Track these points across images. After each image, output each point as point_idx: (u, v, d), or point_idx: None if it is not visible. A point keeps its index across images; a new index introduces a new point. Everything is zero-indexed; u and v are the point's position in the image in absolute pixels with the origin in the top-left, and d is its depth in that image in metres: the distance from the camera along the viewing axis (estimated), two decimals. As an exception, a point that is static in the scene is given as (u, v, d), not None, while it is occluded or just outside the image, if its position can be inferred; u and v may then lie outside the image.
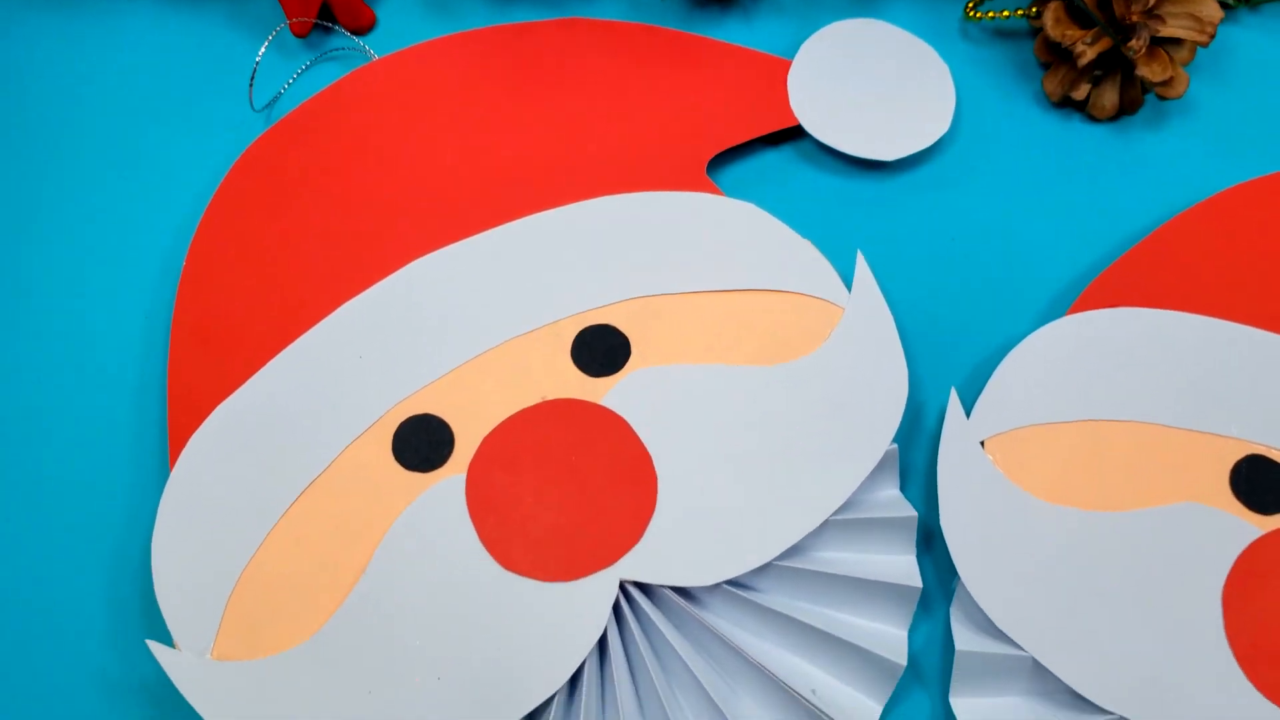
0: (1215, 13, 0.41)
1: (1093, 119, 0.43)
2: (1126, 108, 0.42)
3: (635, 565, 0.35)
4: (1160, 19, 0.41)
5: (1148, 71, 0.41)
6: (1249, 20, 0.45)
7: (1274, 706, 0.34)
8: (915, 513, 0.36)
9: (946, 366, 0.40)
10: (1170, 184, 0.42)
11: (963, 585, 0.36)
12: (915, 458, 0.39)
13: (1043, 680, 0.35)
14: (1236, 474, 0.37)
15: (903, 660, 0.35)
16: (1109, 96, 0.42)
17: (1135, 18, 0.40)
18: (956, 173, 0.42)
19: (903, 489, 0.38)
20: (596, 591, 0.35)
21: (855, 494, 0.37)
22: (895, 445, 0.37)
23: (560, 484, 0.36)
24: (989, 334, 0.40)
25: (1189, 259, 0.40)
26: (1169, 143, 0.43)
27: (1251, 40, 0.45)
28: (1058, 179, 0.42)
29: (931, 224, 0.41)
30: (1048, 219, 0.41)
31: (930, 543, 0.38)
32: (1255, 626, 0.35)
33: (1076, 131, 0.43)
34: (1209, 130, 0.43)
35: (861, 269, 0.39)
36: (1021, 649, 0.35)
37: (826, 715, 0.34)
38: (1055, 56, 0.43)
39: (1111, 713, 0.34)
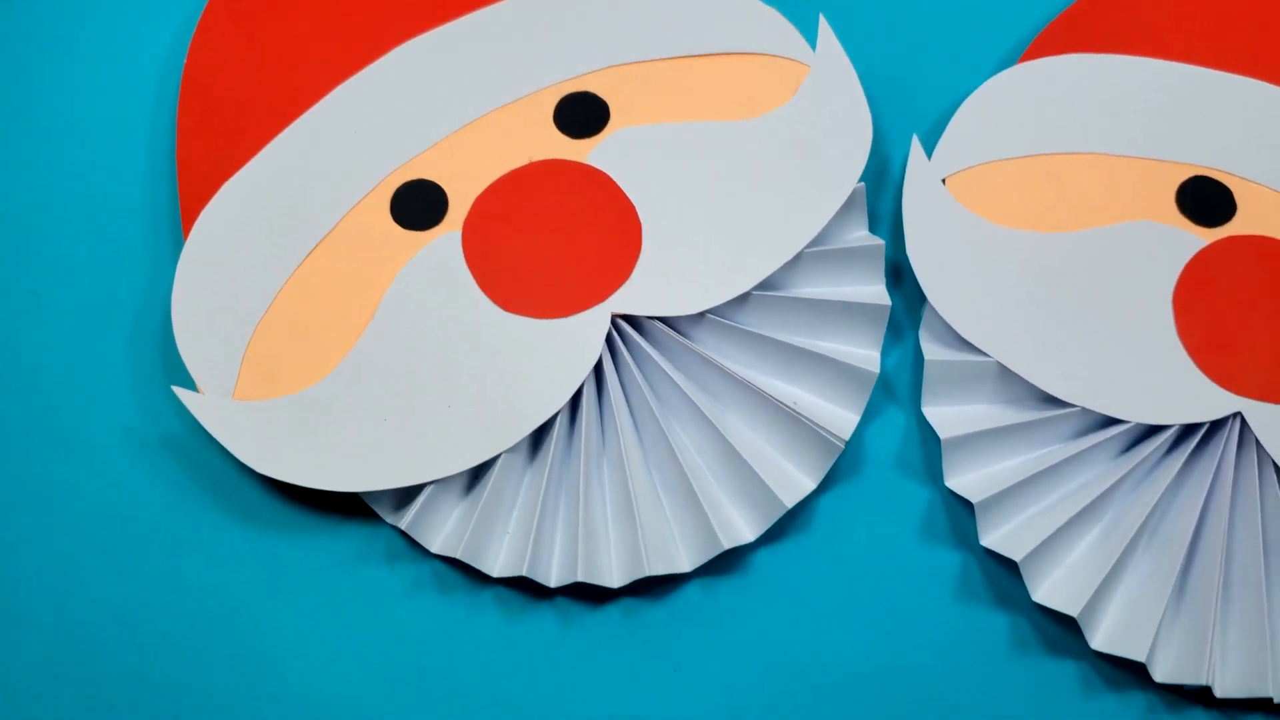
0: None
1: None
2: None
3: (625, 299, 0.38)
4: None
5: None
6: None
7: (1222, 390, 0.37)
8: (882, 241, 0.39)
9: (910, 120, 0.42)
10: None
11: (929, 308, 0.39)
12: (883, 206, 0.41)
13: (1008, 386, 0.38)
14: (1183, 193, 0.39)
15: (875, 369, 0.38)
16: None
17: None
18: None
19: (872, 232, 0.41)
20: (590, 325, 0.37)
21: (827, 233, 0.39)
22: (862, 184, 0.39)
23: (550, 233, 0.39)
24: (950, 88, 0.42)
25: (1135, 6, 0.42)
26: None
27: None
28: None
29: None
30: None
31: (900, 279, 0.40)
32: (1203, 323, 0.37)
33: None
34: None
35: (824, 29, 0.41)
36: (987, 355, 0.38)
37: (809, 421, 0.37)
38: None
39: (1073, 406, 0.37)
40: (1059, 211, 0.39)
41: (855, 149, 0.40)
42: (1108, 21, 0.42)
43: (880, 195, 0.41)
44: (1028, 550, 0.36)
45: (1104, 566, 0.36)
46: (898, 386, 0.39)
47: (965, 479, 0.37)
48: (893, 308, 0.40)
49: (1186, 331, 0.38)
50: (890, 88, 0.42)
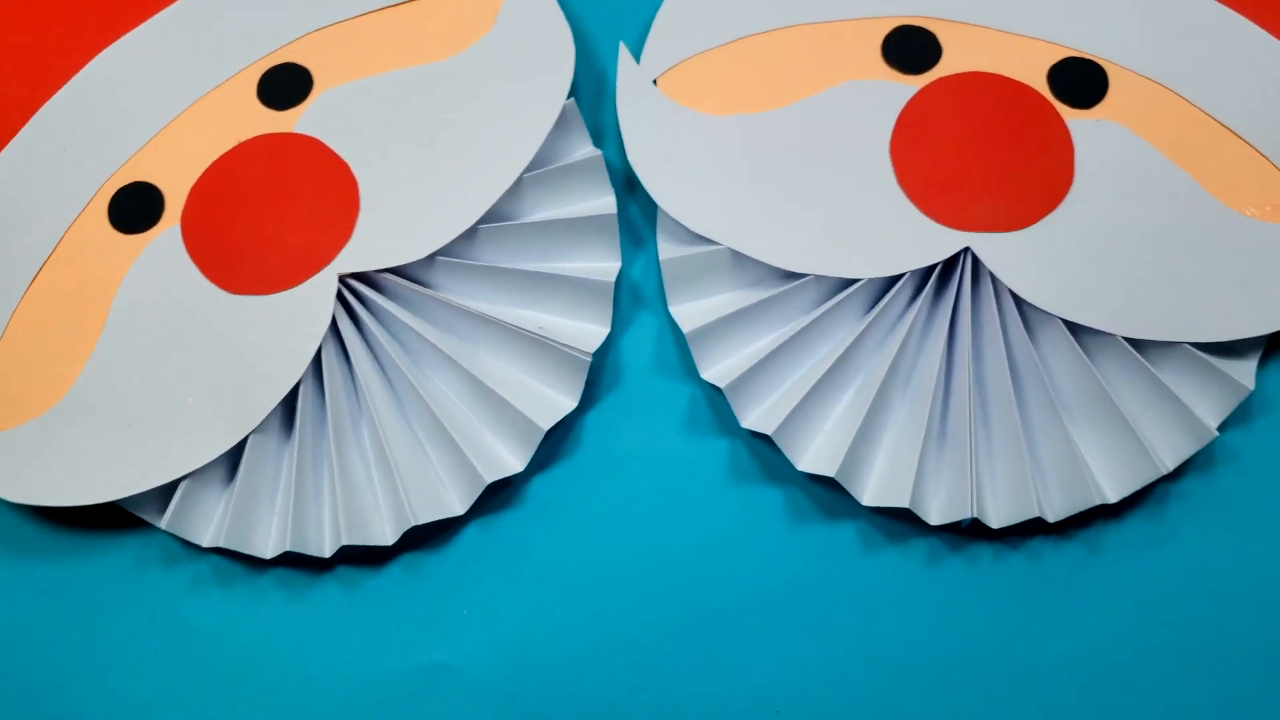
0: None
1: None
2: None
3: (350, 258, 0.37)
4: None
5: None
6: None
7: (949, 229, 0.37)
8: (598, 152, 0.39)
9: (621, 28, 0.41)
10: None
11: (662, 209, 0.39)
12: (609, 119, 0.41)
13: (745, 270, 0.38)
14: (887, 45, 0.39)
15: (610, 279, 0.38)
16: None
17: None
18: None
19: (603, 147, 0.40)
20: (317, 290, 0.37)
21: (550, 156, 0.39)
22: (571, 100, 0.39)
23: (268, 209, 0.38)
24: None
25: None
26: None
27: None
28: None
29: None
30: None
31: (634, 187, 0.40)
32: (922, 167, 0.37)
33: None
34: None
35: (516, -43, 0.41)
36: (718, 244, 0.38)
37: (553, 341, 0.37)
38: None
39: (806, 274, 0.37)
40: (769, 89, 0.39)
41: (559, 67, 0.39)
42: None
43: (603, 109, 0.41)
44: (779, 422, 0.36)
45: (857, 423, 0.36)
46: (646, 292, 0.39)
47: (718, 368, 0.37)
48: (633, 214, 0.40)
49: (907, 179, 0.38)
50: (597, 4, 0.42)
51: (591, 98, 0.41)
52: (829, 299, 0.37)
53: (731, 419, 0.37)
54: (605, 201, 0.39)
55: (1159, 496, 0.36)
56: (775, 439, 0.36)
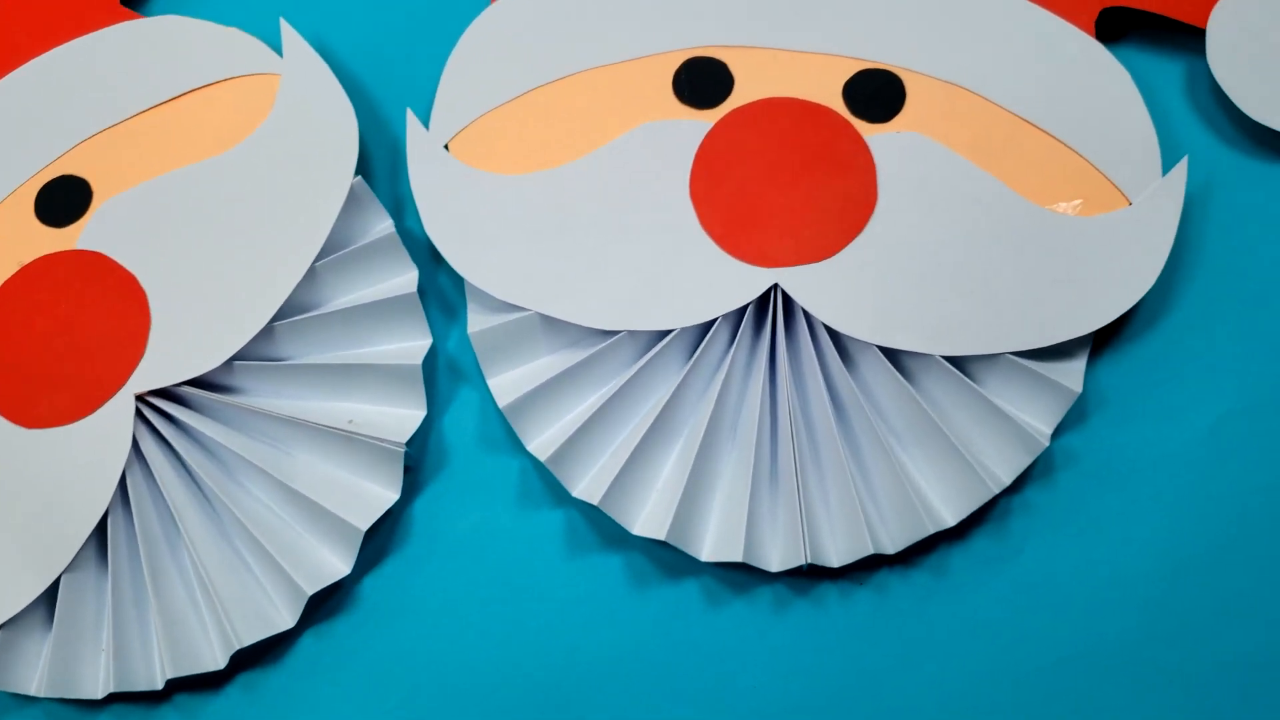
0: None
1: None
2: None
3: (145, 376, 0.36)
4: None
5: None
6: None
7: (756, 267, 0.36)
8: (390, 227, 0.38)
9: (411, 95, 0.40)
10: None
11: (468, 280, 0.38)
12: (407, 190, 0.39)
13: (558, 333, 0.37)
14: (677, 81, 0.38)
15: (416, 361, 0.36)
16: None
17: None
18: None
19: (401, 221, 0.39)
20: (115, 414, 0.35)
21: (348, 238, 0.38)
22: (359, 178, 0.38)
23: (55, 335, 0.36)
24: (436, 57, 0.39)
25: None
26: None
27: None
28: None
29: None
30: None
31: (441, 259, 0.38)
32: (723, 206, 0.36)
33: None
34: None
35: (288, 32, 0.39)
36: (525, 309, 0.36)
37: (367, 437, 0.36)
38: None
39: (618, 331, 0.36)
40: (562, 141, 0.38)
41: (343, 145, 0.38)
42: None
43: (402, 180, 0.39)
44: (605, 490, 0.35)
45: (684, 479, 0.35)
46: (464, 365, 0.38)
47: (540, 439, 0.36)
48: (444, 285, 0.39)
49: (709, 220, 0.36)
50: (384, 69, 0.40)
51: (388, 168, 0.40)
52: (646, 353, 0.36)
53: (561, 488, 0.36)
54: (407, 278, 0.38)
55: (1001, 511, 0.36)
56: (603, 508, 0.35)
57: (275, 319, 0.36)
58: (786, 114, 0.37)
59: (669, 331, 0.36)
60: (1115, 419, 0.36)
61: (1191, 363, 0.37)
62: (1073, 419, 0.36)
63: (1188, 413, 0.36)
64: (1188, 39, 0.38)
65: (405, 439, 0.36)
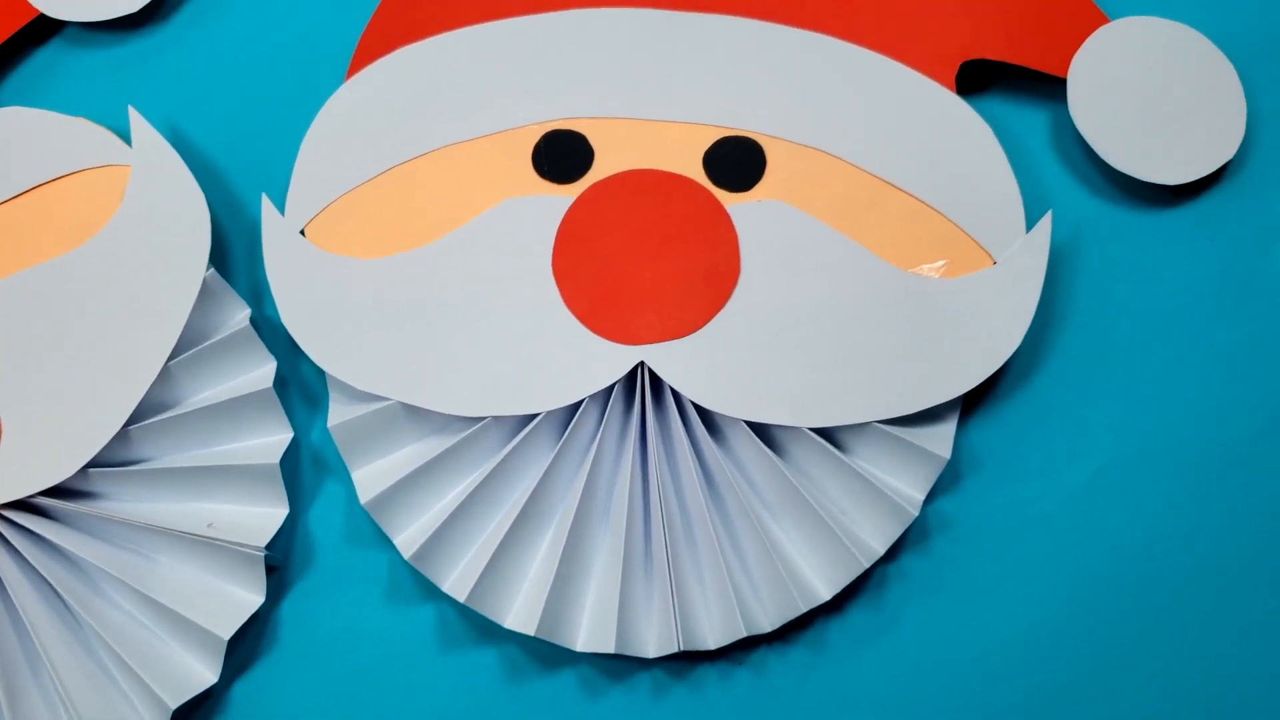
0: None
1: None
2: None
3: (-4, 489, 0.35)
4: None
5: None
6: None
7: (621, 345, 0.35)
8: (246, 320, 0.37)
9: (264, 180, 0.39)
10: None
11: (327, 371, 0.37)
12: (265, 274, 0.37)
13: (422, 420, 0.36)
14: (537, 156, 0.37)
15: (274, 459, 0.35)
16: None
17: None
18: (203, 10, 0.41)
19: (260, 309, 0.38)
20: (-36, 530, 0.35)
21: (207, 330, 0.37)
22: (212, 271, 0.37)
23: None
24: (293, 137, 0.38)
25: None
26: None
27: None
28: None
29: (195, 62, 0.40)
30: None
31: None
32: (587, 283, 0.36)
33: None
34: None
35: (137, 121, 0.38)
36: (386, 398, 0.36)
37: (226, 541, 0.35)
38: None
39: (484, 416, 0.35)
40: (422, 222, 0.37)
41: (195, 239, 0.37)
42: (419, 5, 0.39)
43: (262, 266, 0.38)
44: (471, 586, 0.34)
45: (553, 570, 0.34)
46: (328, 457, 0.37)
47: (406, 534, 0.35)
48: (306, 374, 0.38)
49: (573, 299, 0.36)
50: (239, 151, 0.39)
51: (246, 254, 0.39)
52: (513, 438, 0.36)
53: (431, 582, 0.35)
54: (264, 371, 0.37)
55: (878, 581, 0.35)
56: (472, 605, 0.34)
57: (130, 422, 0.35)
58: (647, 186, 0.37)
59: (536, 414, 0.35)
60: (989, 480, 0.36)
61: (1064, 419, 0.36)
62: (946, 481, 0.36)
63: (1062, 470, 0.36)
64: (1051, 87, 0.38)
65: (266, 541, 0.35)
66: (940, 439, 0.35)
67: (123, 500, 0.35)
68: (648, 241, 0.36)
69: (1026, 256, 0.36)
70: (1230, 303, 0.37)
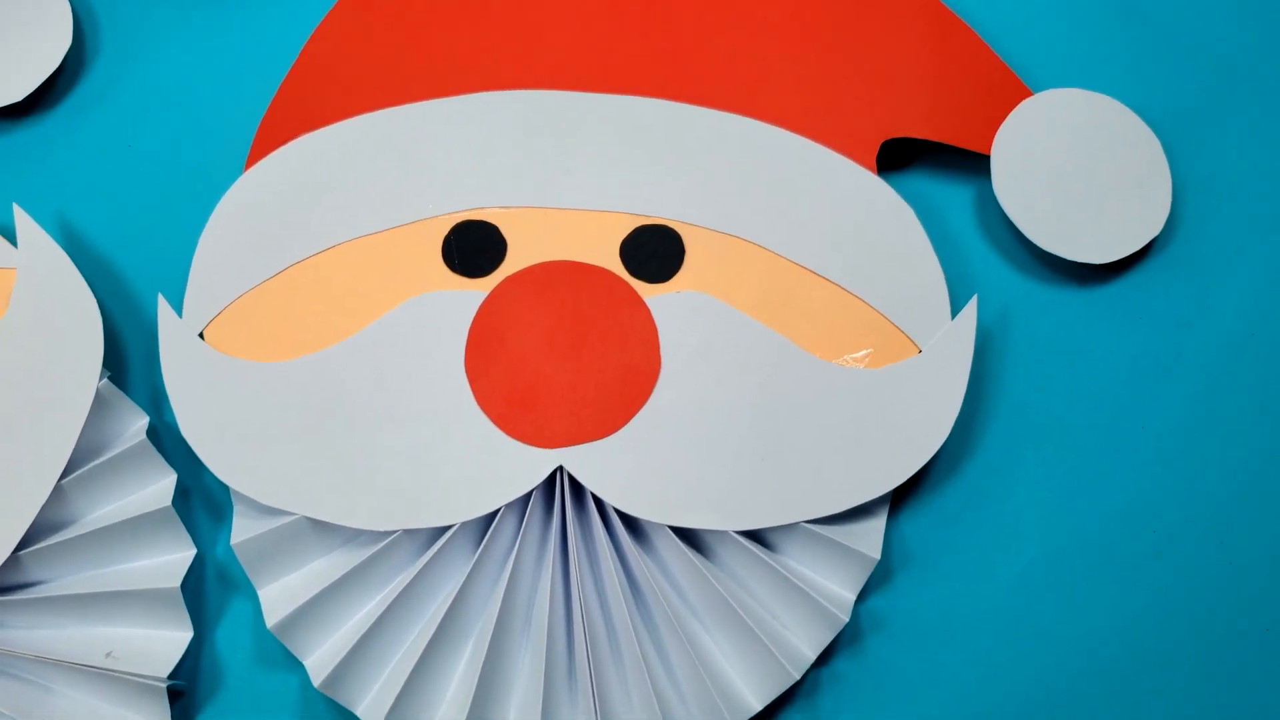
0: None
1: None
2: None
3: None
4: None
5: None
6: None
7: (538, 449, 0.34)
8: (145, 420, 0.35)
9: (160, 278, 0.37)
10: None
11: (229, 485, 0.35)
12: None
13: (330, 532, 0.34)
14: (447, 248, 0.36)
15: (175, 583, 0.34)
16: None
17: None
18: (113, 76, 0.39)
19: (160, 415, 0.36)
20: None
21: (98, 442, 0.35)
22: (106, 381, 0.35)
23: None
24: (188, 230, 0.36)
25: (342, 61, 0.38)
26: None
27: None
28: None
29: (85, 153, 0.38)
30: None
31: (208, 451, 0.36)
32: (501, 383, 0.34)
33: None
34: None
35: (23, 220, 0.36)
36: (291, 512, 0.34)
37: (125, 673, 0.33)
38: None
39: (394, 530, 0.34)
40: (327, 321, 0.35)
41: (87, 346, 0.35)
42: (319, 91, 0.37)
43: (159, 369, 0.36)
44: (385, 713, 0.32)
45: (472, 688, 0.32)
46: (235, 573, 0.35)
47: (316, 655, 0.33)
48: (210, 485, 0.36)
49: (487, 400, 0.34)
50: (134, 247, 0.37)
51: (144, 357, 0.37)
52: (426, 549, 0.34)
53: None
54: (163, 486, 0.35)
55: (810, 686, 0.34)
56: (391, 731, 0.33)
57: (21, 545, 0.33)
58: (562, 279, 0.35)
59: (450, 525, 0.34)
60: (920, 576, 0.35)
61: (995, 507, 0.36)
62: (877, 578, 0.35)
63: (993, 562, 0.35)
64: (975, 161, 0.37)
65: (168, 670, 0.33)
66: (870, 538, 0.34)
67: (15, 628, 0.33)
68: (564, 337, 0.35)
69: (952, 344, 0.35)
70: (1161, 382, 0.36)
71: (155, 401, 0.36)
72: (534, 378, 0.34)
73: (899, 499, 0.35)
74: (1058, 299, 0.37)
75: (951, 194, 0.38)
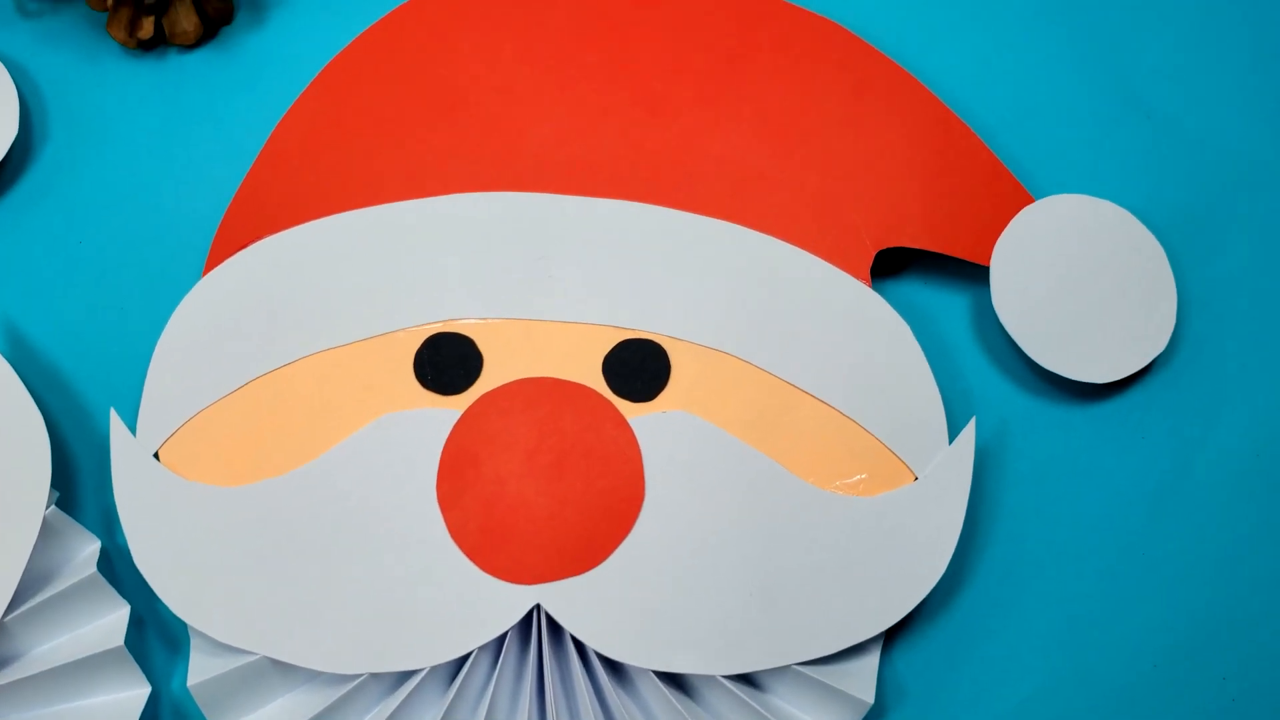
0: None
1: (185, 48, 0.39)
2: (217, 19, 0.38)
3: None
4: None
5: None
6: None
7: (514, 585, 0.32)
8: (96, 546, 0.33)
9: (113, 391, 0.35)
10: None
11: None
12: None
13: (293, 672, 0.32)
14: (420, 363, 0.34)
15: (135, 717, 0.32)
16: (186, 19, 0.38)
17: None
18: (62, 169, 0.37)
19: (113, 537, 0.34)
20: None
21: (46, 572, 0.32)
22: (54, 509, 0.32)
23: None
24: (144, 337, 0.34)
25: (296, 164, 0.35)
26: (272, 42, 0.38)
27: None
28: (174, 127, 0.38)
29: (32, 252, 0.36)
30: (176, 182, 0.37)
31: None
32: (476, 513, 0.32)
33: (176, 66, 0.38)
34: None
35: (-36, 329, 0.34)
36: (252, 652, 0.32)
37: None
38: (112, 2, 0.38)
39: (361, 673, 0.32)
40: (290, 442, 0.33)
41: (34, 472, 0.32)
42: (283, 188, 0.35)
43: (109, 491, 0.34)
44: None
45: None
46: (193, 713, 0.33)
47: (280, 806, 0.32)
48: (166, 617, 0.33)
49: (460, 531, 0.32)
50: (87, 359, 0.35)
51: (96, 476, 0.34)
52: (395, 691, 0.32)
53: None
54: (116, 619, 0.33)
55: (800, 835, 0.33)
56: None
57: (-42, 690, 0.31)
58: (542, 398, 0.33)
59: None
60: (915, 715, 0.33)
61: (991, 642, 0.34)
62: (871, 716, 0.33)
63: (991, 699, 0.34)
64: (973, 267, 0.36)
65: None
66: (862, 678, 0.32)
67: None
68: (543, 460, 0.33)
69: (949, 471, 0.33)
70: (1164, 506, 0.35)
71: (107, 523, 0.34)
72: (511, 505, 0.32)
73: (892, 633, 0.34)
74: (1057, 416, 0.35)
75: (948, 302, 0.36)
